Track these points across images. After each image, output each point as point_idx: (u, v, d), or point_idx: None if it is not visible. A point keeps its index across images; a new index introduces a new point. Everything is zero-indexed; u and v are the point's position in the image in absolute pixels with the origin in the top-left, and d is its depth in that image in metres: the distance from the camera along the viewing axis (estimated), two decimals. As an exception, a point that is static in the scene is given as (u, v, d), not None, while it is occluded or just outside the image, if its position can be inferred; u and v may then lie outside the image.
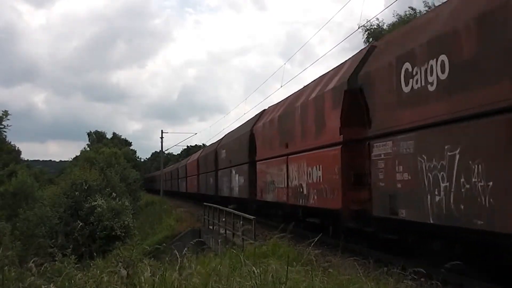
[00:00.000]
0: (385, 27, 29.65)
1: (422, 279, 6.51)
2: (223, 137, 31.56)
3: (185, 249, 6.77)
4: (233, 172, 24.08)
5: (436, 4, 15.70)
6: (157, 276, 5.26)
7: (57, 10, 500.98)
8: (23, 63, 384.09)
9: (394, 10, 31.23)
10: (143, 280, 5.12)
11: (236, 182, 23.47)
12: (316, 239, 7.30)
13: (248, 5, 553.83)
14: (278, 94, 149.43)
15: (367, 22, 28.62)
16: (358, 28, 28.21)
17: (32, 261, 6.10)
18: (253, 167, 20.20)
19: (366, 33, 30.41)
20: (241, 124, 27.05)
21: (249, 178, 20.65)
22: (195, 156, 44.94)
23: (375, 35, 28.47)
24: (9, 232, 24.80)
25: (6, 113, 25.85)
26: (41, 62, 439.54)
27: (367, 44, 27.89)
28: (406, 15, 28.89)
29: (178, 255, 6.02)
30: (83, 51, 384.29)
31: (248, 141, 20.95)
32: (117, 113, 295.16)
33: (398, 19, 28.98)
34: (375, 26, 30.04)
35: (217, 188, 29.31)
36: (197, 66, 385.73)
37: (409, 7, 30.02)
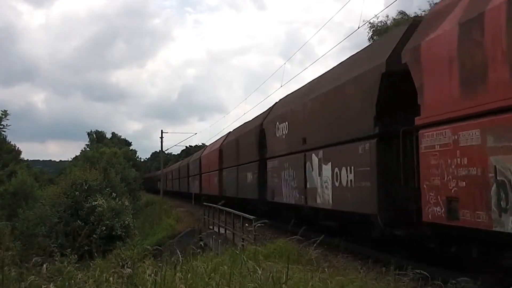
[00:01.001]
0: (389, 23, 29.75)
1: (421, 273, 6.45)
2: (273, 105, 20.02)
3: (185, 249, 6.77)
4: (314, 160, 12.76)
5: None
6: (158, 275, 5.26)
7: (56, 9, 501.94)
8: (22, 62, 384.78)
9: (393, 13, 31.60)
10: (146, 279, 5.11)
11: (327, 179, 11.75)
12: (319, 240, 7.27)
13: (248, 5, 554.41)
14: (278, 93, 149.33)
15: (374, 16, 28.61)
16: (358, 27, 28.28)
17: (32, 261, 6.10)
18: (384, 147, 9.14)
19: (372, 30, 30.44)
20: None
21: (378, 171, 9.21)
22: (214, 145, 33.25)
23: (381, 32, 28.47)
24: (9, 232, 24.79)
25: (5, 113, 25.89)
26: (41, 61, 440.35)
27: (372, 41, 28.01)
28: (396, 19, 29.20)
29: (179, 255, 6.02)
30: (82, 50, 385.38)
31: (378, 90, 9.29)
32: (117, 113, 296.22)
33: (397, 18, 29.18)
34: (382, 23, 30.10)
35: (264, 189, 18.42)
36: (197, 66, 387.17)
37: (399, 12, 30.27)
